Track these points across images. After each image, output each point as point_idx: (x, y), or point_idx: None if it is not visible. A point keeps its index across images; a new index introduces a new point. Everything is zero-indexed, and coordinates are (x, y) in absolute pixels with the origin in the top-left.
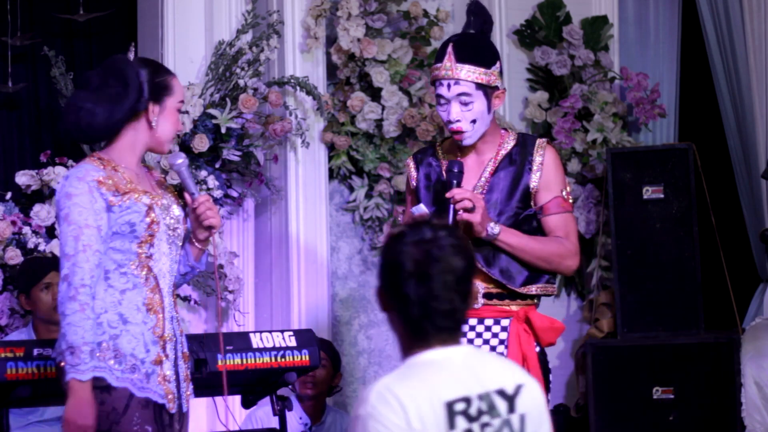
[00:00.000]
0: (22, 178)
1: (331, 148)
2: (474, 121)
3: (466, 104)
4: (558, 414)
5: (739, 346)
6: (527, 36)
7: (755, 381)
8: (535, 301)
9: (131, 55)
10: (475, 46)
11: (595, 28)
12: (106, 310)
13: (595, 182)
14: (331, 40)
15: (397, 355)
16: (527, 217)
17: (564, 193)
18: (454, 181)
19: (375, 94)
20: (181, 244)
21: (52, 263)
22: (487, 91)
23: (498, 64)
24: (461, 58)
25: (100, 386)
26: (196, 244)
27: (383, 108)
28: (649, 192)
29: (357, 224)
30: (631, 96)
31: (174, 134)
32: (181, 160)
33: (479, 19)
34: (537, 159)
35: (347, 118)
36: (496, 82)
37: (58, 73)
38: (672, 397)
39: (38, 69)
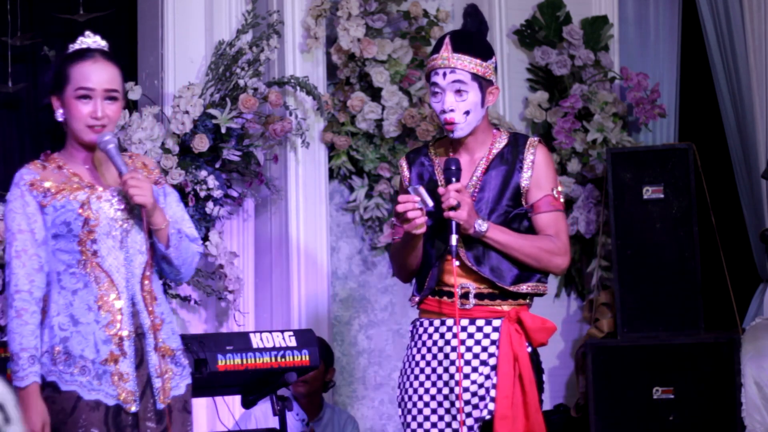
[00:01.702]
0: None
1: (331, 148)
2: (467, 113)
3: (460, 93)
4: (558, 414)
5: (739, 346)
6: (527, 36)
7: (755, 381)
8: (528, 301)
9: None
10: (472, 39)
11: (595, 28)
12: (58, 312)
13: (595, 182)
14: (331, 40)
15: (398, 354)
16: (517, 215)
17: (555, 192)
18: (453, 179)
19: (375, 94)
20: (144, 233)
21: None
22: (482, 83)
23: (493, 60)
24: (458, 49)
25: (52, 386)
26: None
27: (383, 108)
28: (649, 192)
29: (357, 224)
30: (631, 96)
31: (81, 123)
32: (108, 137)
33: (475, 21)
34: (528, 157)
35: (347, 118)
36: (491, 77)
37: None
38: (672, 397)
39: (38, 69)
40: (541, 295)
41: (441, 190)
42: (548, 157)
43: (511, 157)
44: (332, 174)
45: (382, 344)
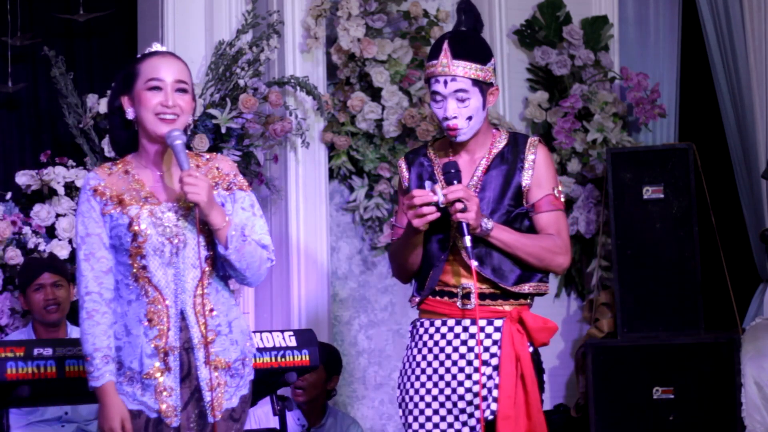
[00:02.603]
0: (22, 178)
1: (331, 148)
2: (470, 118)
3: (462, 101)
4: (558, 414)
5: (739, 346)
6: (527, 36)
7: (755, 381)
8: (529, 300)
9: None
10: (471, 42)
11: (595, 28)
12: (116, 321)
13: (595, 182)
14: (331, 40)
15: (398, 354)
16: (519, 215)
17: (555, 191)
18: (455, 181)
19: (375, 94)
20: (198, 248)
21: (45, 265)
22: (483, 87)
23: (492, 61)
24: (457, 55)
25: None
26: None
27: (383, 108)
28: (649, 192)
29: (357, 224)
30: (631, 96)
31: (151, 113)
32: (177, 132)
33: (470, 17)
34: (529, 157)
35: (347, 118)
36: (491, 79)
37: (58, 73)
38: (672, 397)
39: (38, 69)
40: (542, 294)
41: (445, 191)
42: (549, 157)
43: (511, 156)
44: (332, 174)
45: (382, 344)
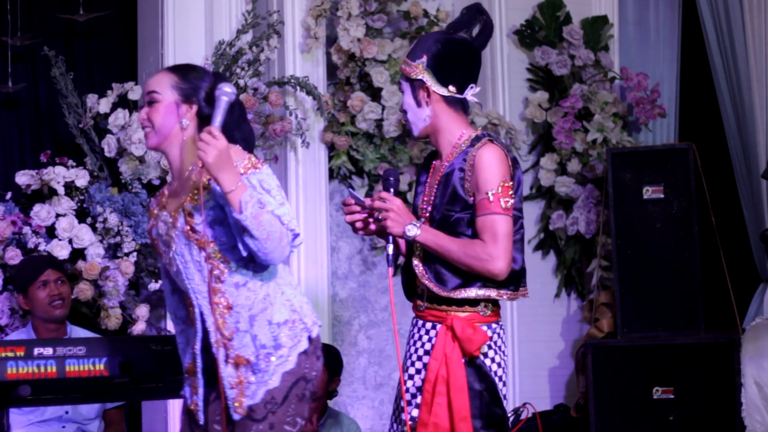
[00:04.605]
0: (22, 178)
1: (331, 148)
2: (405, 112)
3: (403, 94)
4: (558, 414)
5: (739, 346)
6: (527, 36)
7: (755, 381)
8: (479, 308)
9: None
10: (419, 40)
11: (595, 28)
12: None
13: (595, 182)
14: (331, 40)
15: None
16: (462, 219)
17: (490, 194)
18: (391, 189)
19: (375, 94)
20: (198, 249)
21: (48, 261)
22: (413, 83)
23: (425, 58)
24: (407, 52)
25: None
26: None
27: (383, 108)
28: (649, 192)
29: None
30: (631, 96)
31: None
32: (228, 89)
33: (465, 19)
34: (469, 160)
35: (347, 118)
36: (419, 76)
37: (58, 73)
38: (672, 397)
39: (38, 69)
40: (490, 301)
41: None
42: (491, 158)
43: (464, 158)
44: (332, 174)
45: (382, 344)
